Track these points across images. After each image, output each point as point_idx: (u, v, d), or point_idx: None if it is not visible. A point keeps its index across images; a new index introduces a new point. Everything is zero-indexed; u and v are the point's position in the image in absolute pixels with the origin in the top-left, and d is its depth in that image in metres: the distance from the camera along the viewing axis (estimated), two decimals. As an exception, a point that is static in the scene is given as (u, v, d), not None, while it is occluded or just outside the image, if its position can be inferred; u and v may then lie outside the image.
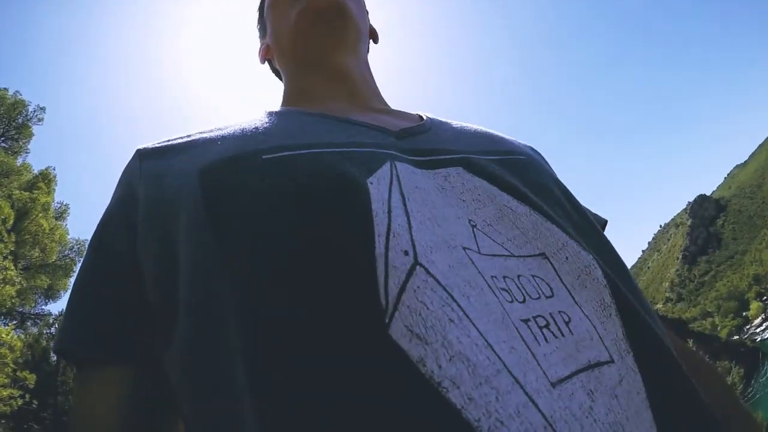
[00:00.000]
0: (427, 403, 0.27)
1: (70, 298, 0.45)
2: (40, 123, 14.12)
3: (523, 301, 0.34)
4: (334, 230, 0.34)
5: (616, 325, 0.36)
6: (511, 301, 0.34)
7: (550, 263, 0.39)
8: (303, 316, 0.31)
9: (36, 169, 14.12)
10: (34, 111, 14.03)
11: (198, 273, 0.36)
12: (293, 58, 0.62)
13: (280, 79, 0.69)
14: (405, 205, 0.37)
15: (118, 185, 0.49)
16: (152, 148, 0.48)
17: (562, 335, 0.33)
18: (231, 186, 0.38)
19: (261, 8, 0.71)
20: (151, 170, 0.45)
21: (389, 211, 0.36)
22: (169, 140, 0.49)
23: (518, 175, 0.47)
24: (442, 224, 0.37)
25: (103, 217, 0.47)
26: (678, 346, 0.46)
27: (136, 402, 0.42)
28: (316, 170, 0.39)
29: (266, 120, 0.50)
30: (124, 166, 0.50)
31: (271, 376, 0.29)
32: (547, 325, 0.33)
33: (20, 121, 13.75)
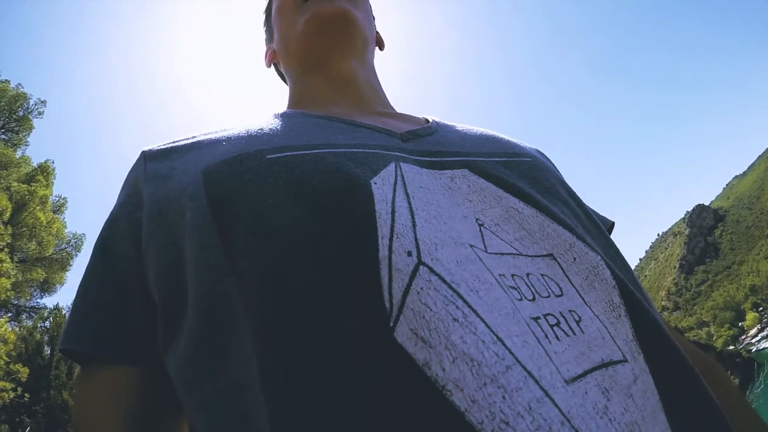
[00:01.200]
0: (432, 407, 0.27)
1: (75, 299, 0.45)
2: (41, 117, 14.14)
3: (533, 300, 0.34)
4: (337, 232, 0.34)
5: (625, 326, 0.36)
6: (521, 299, 0.33)
7: (558, 264, 0.38)
8: (309, 320, 0.30)
9: (35, 161, 14.14)
10: (35, 104, 14.07)
11: (205, 274, 0.35)
12: (299, 64, 0.62)
13: (286, 83, 0.69)
14: (409, 204, 0.37)
15: (123, 187, 0.49)
16: (157, 149, 0.48)
17: (574, 334, 0.33)
18: (234, 186, 0.38)
19: (268, 12, 0.71)
20: (156, 172, 0.45)
21: (393, 212, 0.35)
22: (174, 141, 0.49)
23: (524, 176, 0.46)
24: (448, 222, 0.37)
25: (108, 218, 0.47)
26: (687, 348, 0.45)
27: (141, 402, 0.41)
28: (319, 170, 0.38)
29: (271, 121, 0.49)
30: (130, 168, 0.50)
31: (279, 379, 0.29)
32: (557, 324, 0.33)
33: (21, 113, 13.75)
